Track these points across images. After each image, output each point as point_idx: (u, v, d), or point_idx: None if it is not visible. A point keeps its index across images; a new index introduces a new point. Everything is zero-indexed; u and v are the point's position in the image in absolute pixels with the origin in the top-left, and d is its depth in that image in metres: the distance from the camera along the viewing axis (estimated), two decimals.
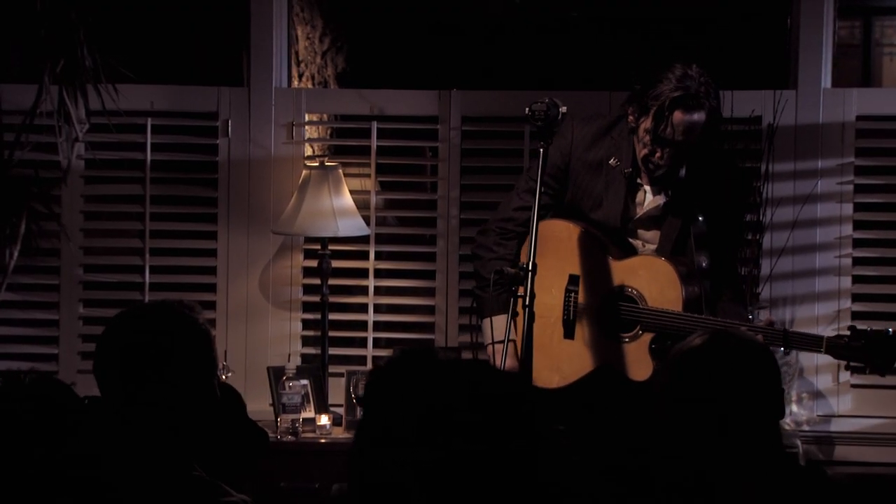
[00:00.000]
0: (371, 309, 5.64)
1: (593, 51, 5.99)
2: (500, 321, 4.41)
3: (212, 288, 5.65)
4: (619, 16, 6.20)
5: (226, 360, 5.55)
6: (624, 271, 4.37)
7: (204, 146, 5.66)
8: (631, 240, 4.47)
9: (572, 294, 4.43)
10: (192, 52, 5.97)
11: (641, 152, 4.37)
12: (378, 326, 5.67)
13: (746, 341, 2.89)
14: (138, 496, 2.79)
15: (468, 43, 6.29)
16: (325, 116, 5.95)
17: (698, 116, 4.29)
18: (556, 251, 4.45)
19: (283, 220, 5.40)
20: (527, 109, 4.24)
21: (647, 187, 4.46)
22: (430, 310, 5.62)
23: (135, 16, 5.79)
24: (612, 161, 4.44)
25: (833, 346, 4.18)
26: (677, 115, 4.28)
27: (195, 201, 5.70)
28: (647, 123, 4.32)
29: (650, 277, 4.35)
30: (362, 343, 5.66)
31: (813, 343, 4.23)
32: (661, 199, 4.45)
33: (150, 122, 5.61)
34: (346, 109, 5.81)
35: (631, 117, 4.39)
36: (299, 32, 6.06)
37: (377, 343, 5.66)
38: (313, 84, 6.10)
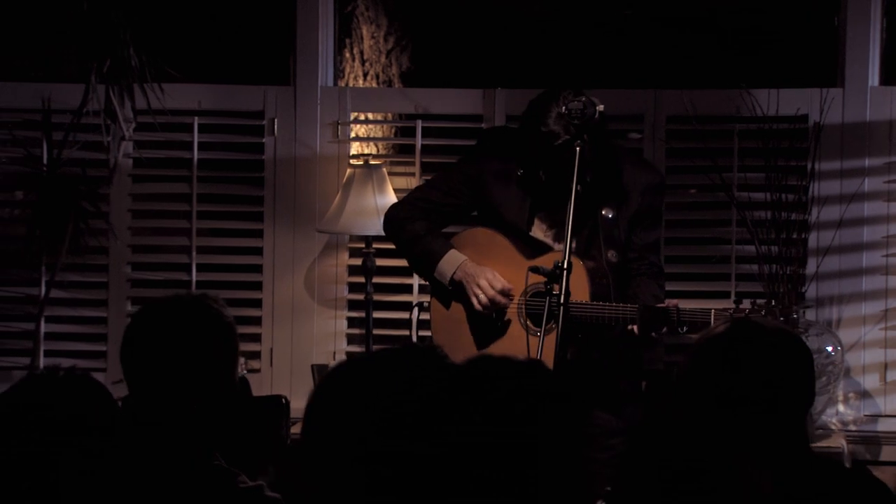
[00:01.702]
0: (415, 307, 5.65)
1: (640, 48, 5.97)
2: (452, 255, 4.70)
3: (258, 286, 5.69)
4: (668, 13, 6.18)
5: (271, 357, 5.61)
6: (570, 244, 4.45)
7: (250, 145, 5.70)
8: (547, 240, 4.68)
9: None
10: (239, 51, 6.00)
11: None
12: (423, 325, 5.67)
13: (772, 330, 2.85)
14: (161, 489, 2.84)
15: (520, 40, 6.29)
16: (389, 115, 5.97)
17: (579, 148, 4.38)
18: (479, 257, 4.72)
19: (327, 218, 5.43)
20: (563, 108, 4.27)
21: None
22: None
23: (181, 16, 5.83)
24: (519, 172, 4.65)
25: (721, 318, 4.36)
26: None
27: (241, 200, 5.74)
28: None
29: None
30: (407, 342, 5.67)
31: (702, 317, 4.42)
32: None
33: (196, 121, 5.65)
34: (391, 108, 5.84)
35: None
36: (364, 32, 6.09)
37: (421, 342, 5.67)
38: (378, 83, 6.13)
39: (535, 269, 4.29)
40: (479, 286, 4.64)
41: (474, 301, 4.65)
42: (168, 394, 2.95)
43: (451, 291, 4.76)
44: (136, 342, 3.00)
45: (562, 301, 4.03)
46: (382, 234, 5.37)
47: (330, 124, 5.65)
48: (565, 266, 4.06)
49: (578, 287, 4.44)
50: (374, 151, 5.81)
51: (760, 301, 4.47)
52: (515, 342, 4.61)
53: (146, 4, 5.38)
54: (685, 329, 4.48)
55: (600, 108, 4.26)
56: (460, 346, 4.72)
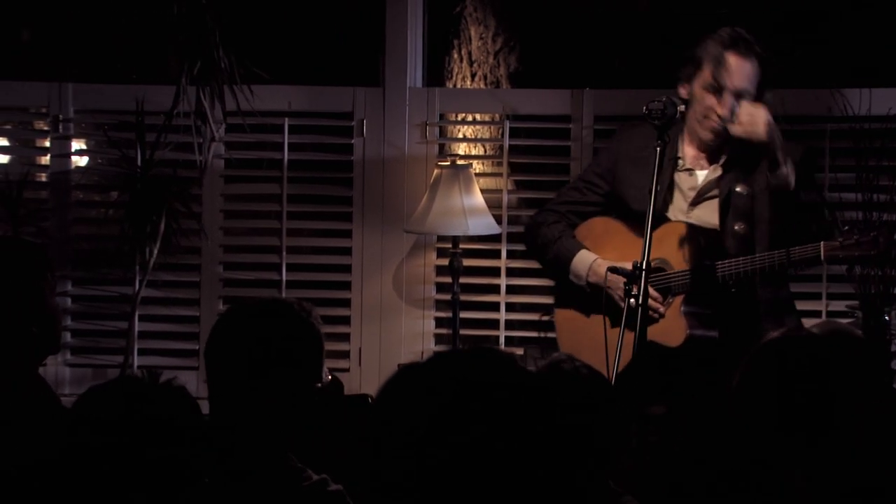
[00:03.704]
0: (503, 308, 5.66)
1: None
2: (583, 255, 4.63)
3: (346, 286, 5.73)
4: (762, 11, 6.13)
5: (360, 357, 5.65)
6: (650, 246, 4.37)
7: (339, 146, 5.74)
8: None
9: None
10: (329, 53, 6.05)
11: (703, 109, 4.49)
12: (510, 325, 5.68)
13: (828, 334, 2.81)
14: (225, 492, 2.86)
15: (624, 40, 6.26)
16: (496, 116, 5.96)
17: (751, 61, 4.50)
18: (596, 247, 4.66)
19: (414, 218, 5.45)
20: (644, 108, 4.25)
21: (698, 171, 4.62)
22: None
23: (271, 18, 5.89)
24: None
25: (830, 250, 4.34)
26: (733, 59, 4.49)
27: (331, 200, 5.78)
28: (704, 77, 4.50)
29: (671, 242, 4.47)
30: (494, 342, 5.68)
31: (812, 251, 4.36)
32: (714, 174, 4.59)
33: (287, 122, 5.70)
34: (480, 109, 5.85)
35: (683, 89, 4.56)
36: (472, 33, 6.10)
37: (509, 342, 5.68)
38: (485, 84, 6.15)
39: (613, 270, 4.26)
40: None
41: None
42: (247, 397, 2.94)
43: (588, 291, 4.65)
44: (223, 342, 3.00)
45: (640, 302, 3.99)
46: (469, 233, 5.39)
47: (418, 125, 5.68)
48: (643, 266, 4.02)
49: (688, 253, 4.45)
50: (477, 152, 5.82)
51: (867, 233, 4.38)
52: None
53: (236, 7, 5.43)
54: (799, 269, 4.50)
55: (681, 107, 4.24)
56: (587, 342, 4.60)
